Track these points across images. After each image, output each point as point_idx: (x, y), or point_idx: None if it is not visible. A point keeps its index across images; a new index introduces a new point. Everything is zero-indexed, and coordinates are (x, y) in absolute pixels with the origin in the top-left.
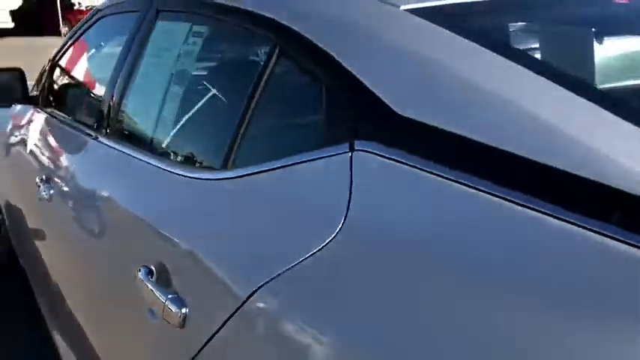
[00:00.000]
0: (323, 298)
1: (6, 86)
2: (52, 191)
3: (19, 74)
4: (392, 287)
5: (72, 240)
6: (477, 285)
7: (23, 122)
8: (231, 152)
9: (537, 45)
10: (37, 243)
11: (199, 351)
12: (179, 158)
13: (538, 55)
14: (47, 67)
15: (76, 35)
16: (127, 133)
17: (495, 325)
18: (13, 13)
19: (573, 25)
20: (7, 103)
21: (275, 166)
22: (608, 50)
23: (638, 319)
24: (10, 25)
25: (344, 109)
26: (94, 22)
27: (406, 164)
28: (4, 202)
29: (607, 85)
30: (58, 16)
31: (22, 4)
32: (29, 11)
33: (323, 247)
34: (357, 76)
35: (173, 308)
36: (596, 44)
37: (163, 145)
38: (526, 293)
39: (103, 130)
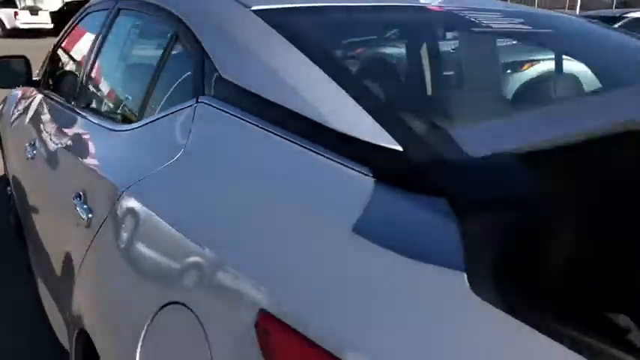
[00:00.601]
0: (160, 192)
1: (13, 71)
2: (34, 152)
3: (24, 61)
4: (203, 185)
5: (40, 183)
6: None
7: (24, 101)
8: (138, 110)
9: (333, 45)
10: (25, 199)
11: (92, 240)
12: (109, 116)
13: (328, 52)
14: (48, 55)
15: (69, 28)
16: (83, 102)
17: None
18: (52, 14)
19: (371, 31)
20: (14, 86)
21: (157, 117)
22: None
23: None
24: (50, 25)
25: (199, 73)
26: (82, 18)
27: (224, 111)
28: (11, 175)
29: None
30: None
31: (62, 6)
32: (68, 13)
33: (168, 164)
34: (207, 50)
35: (84, 215)
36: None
37: (101, 108)
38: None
39: (73, 102)
